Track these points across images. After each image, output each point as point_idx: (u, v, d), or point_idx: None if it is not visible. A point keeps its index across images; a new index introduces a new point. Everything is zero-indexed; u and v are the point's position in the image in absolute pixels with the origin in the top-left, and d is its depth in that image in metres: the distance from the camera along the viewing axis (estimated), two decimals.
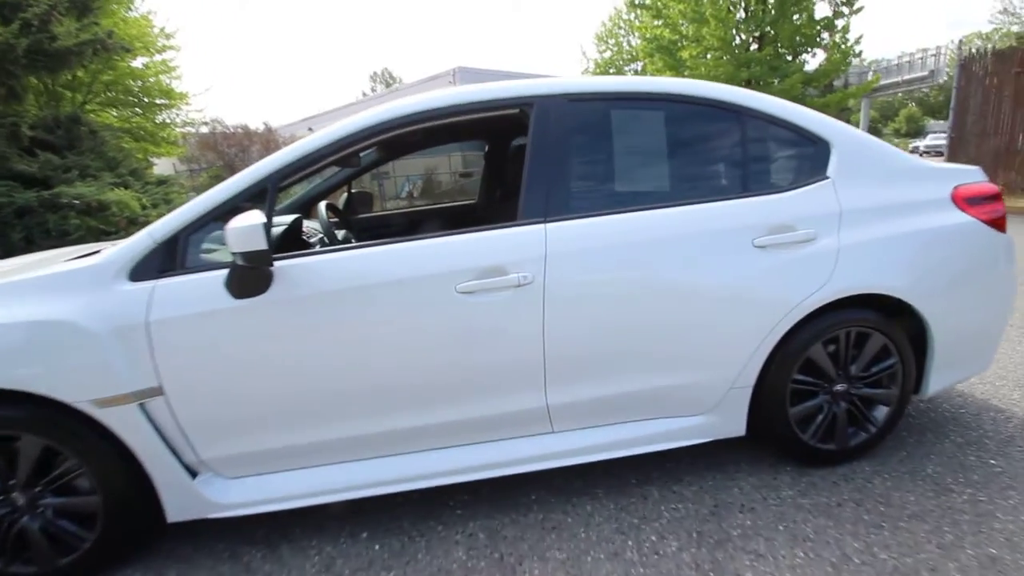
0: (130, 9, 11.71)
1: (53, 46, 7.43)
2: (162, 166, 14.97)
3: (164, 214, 1.91)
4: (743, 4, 16.61)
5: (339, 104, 25.62)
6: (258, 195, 1.94)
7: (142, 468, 1.88)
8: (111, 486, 1.89)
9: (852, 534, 1.94)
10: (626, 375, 2.08)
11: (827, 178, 2.19)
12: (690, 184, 2.22)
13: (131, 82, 12.07)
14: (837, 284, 2.10)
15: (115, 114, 12.32)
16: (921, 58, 30.97)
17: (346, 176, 3.37)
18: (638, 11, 20.08)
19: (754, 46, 17.20)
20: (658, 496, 2.22)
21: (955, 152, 13.02)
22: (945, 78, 30.63)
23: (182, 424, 1.88)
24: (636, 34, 25.90)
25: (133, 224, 7.09)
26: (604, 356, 2.05)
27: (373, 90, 54.62)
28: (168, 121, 13.27)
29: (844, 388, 2.27)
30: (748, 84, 15.72)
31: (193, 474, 1.96)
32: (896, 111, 61.13)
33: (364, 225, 3.60)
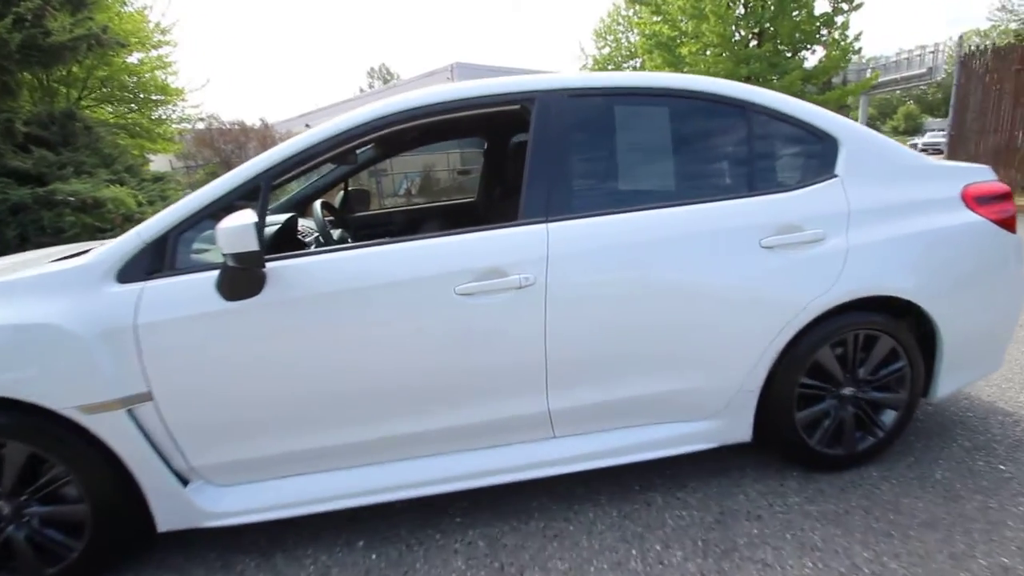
0: (125, 4, 11.59)
1: (47, 41, 7.34)
2: (158, 163, 14.87)
3: (160, 211, 1.86)
4: (742, 0, 16.54)
5: (336, 100, 25.53)
6: (251, 193, 1.88)
7: (131, 476, 1.83)
8: (99, 494, 1.83)
9: (861, 543, 1.89)
10: (630, 379, 2.03)
11: (835, 176, 2.14)
12: (695, 182, 2.16)
13: (127, 78, 11.95)
14: (846, 286, 2.05)
15: (110, 110, 12.21)
16: (919, 55, 30.97)
17: (343, 173, 3.31)
18: (637, 7, 19.98)
19: (753, 42, 17.14)
20: (662, 503, 2.17)
21: (955, 150, 12.97)
22: (943, 75, 30.61)
23: (172, 431, 1.82)
24: (635, 30, 25.84)
25: (129, 221, 7.00)
26: (607, 360, 2.00)
27: (371, 86, 54.48)
28: (164, 117, 13.16)
29: (852, 392, 2.22)
30: (747, 81, 15.59)
31: (184, 482, 1.90)
32: (894, 109, 61.17)
33: (361, 223, 3.54)
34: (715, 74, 15.39)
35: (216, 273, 1.75)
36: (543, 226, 1.93)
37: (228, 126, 15.48)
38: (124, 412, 1.75)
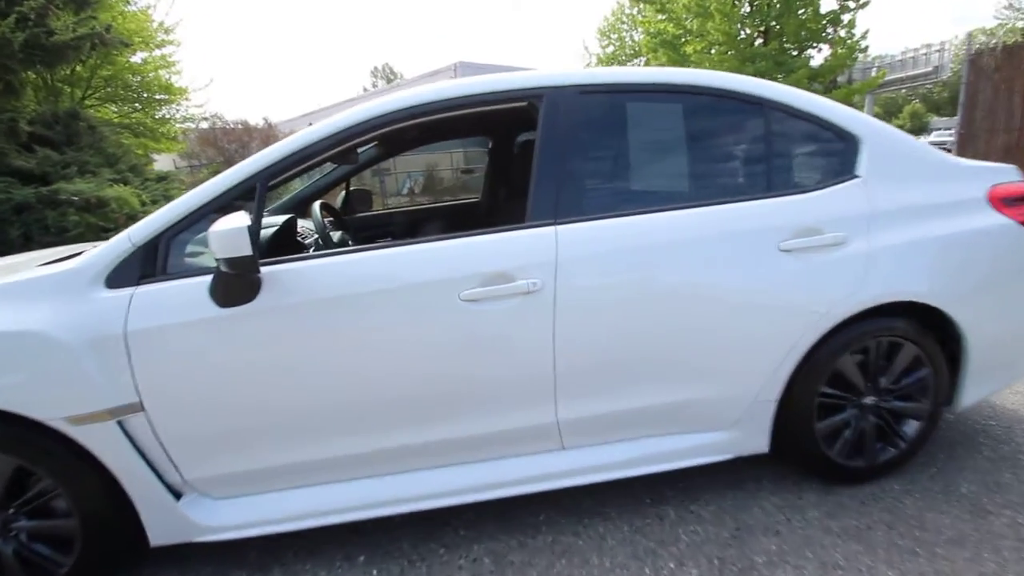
0: (128, 3, 11.55)
1: (50, 40, 7.29)
2: (162, 162, 14.85)
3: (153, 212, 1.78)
4: None
5: (340, 99, 25.48)
6: (246, 194, 1.80)
7: (122, 489, 1.75)
8: (89, 508, 1.75)
9: (886, 562, 1.80)
10: (642, 388, 1.94)
11: (857, 177, 2.04)
12: (710, 183, 2.07)
13: (130, 77, 11.93)
14: (869, 291, 1.96)
15: (114, 110, 12.19)
16: (925, 54, 30.67)
17: (345, 173, 3.23)
18: (641, 5, 19.83)
19: (759, 41, 16.98)
20: (675, 517, 2.08)
21: (963, 148, 12.82)
22: (949, 74, 30.35)
23: (164, 442, 1.74)
24: (639, 29, 25.65)
25: (132, 220, 6.94)
26: (619, 368, 1.91)
27: (374, 85, 54.43)
28: (168, 117, 13.14)
29: (873, 401, 2.13)
30: None
31: (177, 495, 1.82)
32: (900, 108, 60.80)
33: (362, 224, 3.46)
34: None
35: (210, 278, 1.67)
36: (552, 228, 1.85)
37: (232, 125, 15.45)
38: (114, 423, 1.67)
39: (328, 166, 3.02)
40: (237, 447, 1.80)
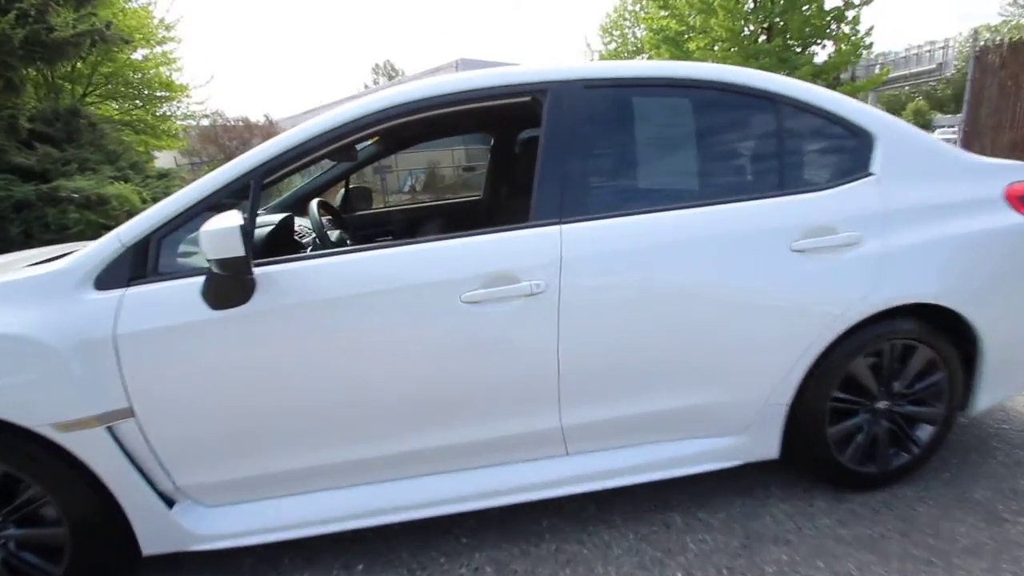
0: (129, 0, 11.50)
1: (50, 37, 7.25)
2: (163, 159, 14.81)
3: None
4: None
5: (341, 96, 25.40)
6: (240, 192, 1.74)
7: (113, 497, 1.69)
8: (79, 516, 1.70)
9: (900, 572, 1.75)
10: (649, 393, 1.88)
11: (871, 174, 1.98)
12: (719, 180, 2.01)
13: (131, 74, 11.90)
14: (883, 292, 1.90)
15: (115, 107, 12.16)
16: (929, 51, 30.48)
17: (344, 170, 3.17)
18: (644, 2, 19.76)
19: (763, 37, 16.87)
20: (682, 524, 2.02)
21: (969, 145, 12.72)
22: (953, 71, 30.17)
23: (155, 449, 1.68)
24: (642, 25, 25.54)
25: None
26: (625, 372, 1.85)
27: (376, 82, 54.31)
28: (168, 114, 13.11)
29: (887, 406, 2.07)
30: None
31: (170, 503, 1.77)
32: (903, 105, 60.53)
33: (362, 223, 3.39)
34: None
35: (202, 279, 1.62)
36: (556, 228, 1.79)
37: (232, 122, 15.42)
38: (103, 429, 1.61)
39: (328, 163, 2.96)
40: (231, 454, 1.74)
